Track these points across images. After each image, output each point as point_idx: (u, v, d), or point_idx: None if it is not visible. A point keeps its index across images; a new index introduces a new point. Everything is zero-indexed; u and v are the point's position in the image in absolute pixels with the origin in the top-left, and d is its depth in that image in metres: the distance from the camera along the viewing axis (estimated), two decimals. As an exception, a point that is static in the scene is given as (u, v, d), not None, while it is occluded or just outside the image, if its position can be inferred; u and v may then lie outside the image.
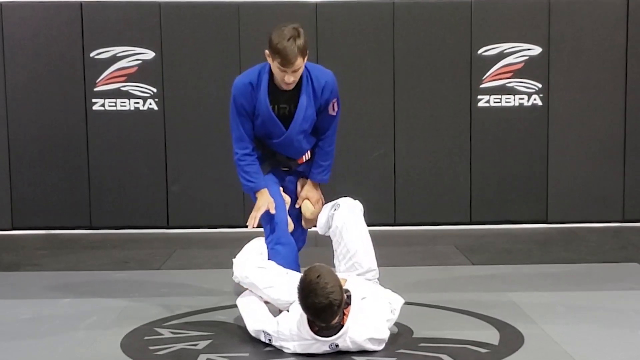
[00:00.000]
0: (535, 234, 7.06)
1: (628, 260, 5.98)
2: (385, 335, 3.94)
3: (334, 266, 4.30)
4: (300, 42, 4.15)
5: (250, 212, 4.47)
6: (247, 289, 4.33)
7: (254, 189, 4.47)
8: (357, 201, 4.43)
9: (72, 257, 6.31)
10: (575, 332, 4.19)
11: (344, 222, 4.31)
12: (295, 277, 3.96)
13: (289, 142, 4.46)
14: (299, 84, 4.33)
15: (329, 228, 4.40)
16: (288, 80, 4.23)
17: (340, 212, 4.34)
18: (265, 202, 4.41)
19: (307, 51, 4.25)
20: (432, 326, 4.32)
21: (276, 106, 4.38)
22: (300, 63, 4.20)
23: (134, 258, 6.24)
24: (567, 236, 6.95)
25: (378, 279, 4.32)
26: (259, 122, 4.41)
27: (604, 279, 5.37)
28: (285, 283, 4.10)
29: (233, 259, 4.41)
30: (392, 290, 4.19)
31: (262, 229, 4.56)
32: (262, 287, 4.16)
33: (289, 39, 4.13)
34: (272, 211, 4.38)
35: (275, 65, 4.22)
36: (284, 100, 4.37)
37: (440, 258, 6.13)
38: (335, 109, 4.48)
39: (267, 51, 4.24)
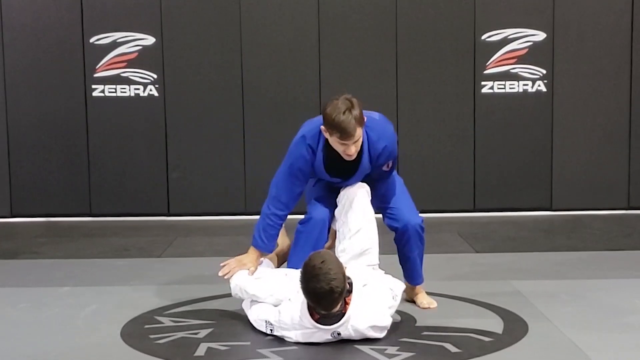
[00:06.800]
0: (540, 222, 7.03)
1: (633, 247, 5.96)
2: (388, 322, 3.90)
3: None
4: (356, 112, 4.02)
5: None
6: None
7: (259, 249, 4.29)
8: (364, 183, 4.37)
9: (71, 245, 6.29)
10: (580, 321, 4.16)
11: (351, 201, 4.25)
12: (295, 275, 3.89)
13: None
14: None
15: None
16: (350, 152, 4.10)
17: (346, 191, 4.29)
18: (250, 265, 4.25)
19: (364, 119, 4.10)
20: (435, 315, 4.30)
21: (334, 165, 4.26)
22: (359, 133, 4.07)
23: (134, 246, 6.21)
24: (571, 223, 6.91)
25: (379, 264, 4.24)
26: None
27: (608, 266, 5.34)
28: (284, 286, 4.01)
29: (230, 279, 4.28)
30: (394, 277, 4.14)
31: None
32: (264, 296, 4.08)
33: (344, 112, 3.99)
34: (250, 274, 4.22)
35: (334, 140, 4.09)
36: (342, 162, 4.22)
37: (443, 246, 6.10)
38: (390, 166, 4.35)
39: (323, 127, 4.11)
